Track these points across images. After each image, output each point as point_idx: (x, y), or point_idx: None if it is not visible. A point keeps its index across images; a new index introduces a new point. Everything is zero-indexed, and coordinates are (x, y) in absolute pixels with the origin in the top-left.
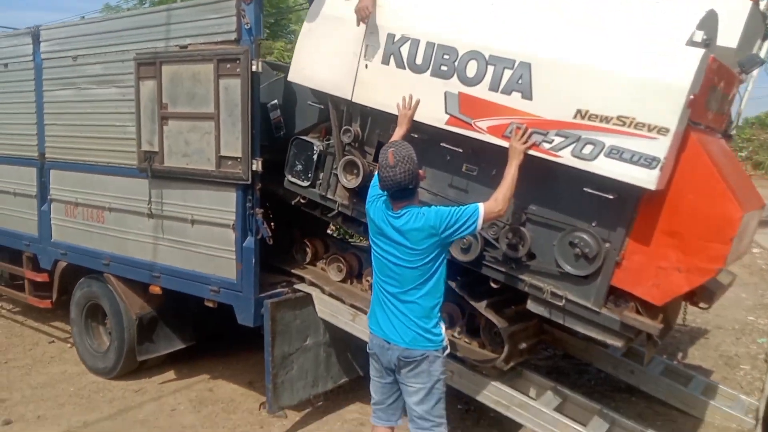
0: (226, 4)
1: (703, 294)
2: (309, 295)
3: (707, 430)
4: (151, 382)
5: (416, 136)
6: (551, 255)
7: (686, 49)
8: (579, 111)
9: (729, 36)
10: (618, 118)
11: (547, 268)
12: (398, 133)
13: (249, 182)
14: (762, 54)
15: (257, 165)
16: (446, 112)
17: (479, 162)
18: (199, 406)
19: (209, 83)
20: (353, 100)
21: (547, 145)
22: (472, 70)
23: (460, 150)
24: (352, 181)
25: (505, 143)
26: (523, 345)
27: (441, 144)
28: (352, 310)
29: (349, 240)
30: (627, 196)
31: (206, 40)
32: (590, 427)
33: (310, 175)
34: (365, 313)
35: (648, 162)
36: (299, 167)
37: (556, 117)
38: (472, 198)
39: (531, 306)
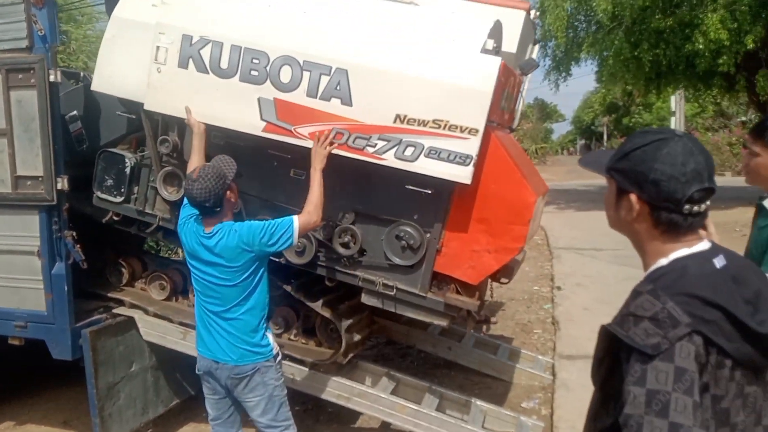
0: (13, 8)
1: (504, 270)
2: (131, 319)
3: (516, 390)
4: None
5: (241, 144)
6: (380, 249)
7: (485, 57)
8: (398, 116)
9: (509, 42)
10: (434, 121)
11: (377, 261)
12: (194, 153)
13: (54, 203)
14: (534, 56)
15: (63, 183)
16: (262, 119)
17: (306, 166)
18: None
19: None
20: (146, 108)
21: (371, 149)
22: (286, 75)
23: (288, 156)
24: (173, 194)
25: (333, 151)
26: (358, 337)
27: (268, 151)
28: (181, 328)
29: (170, 255)
30: (442, 190)
31: None
32: (424, 404)
33: (123, 190)
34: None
35: (462, 159)
36: (110, 182)
37: (377, 122)
38: (302, 202)
39: (365, 299)
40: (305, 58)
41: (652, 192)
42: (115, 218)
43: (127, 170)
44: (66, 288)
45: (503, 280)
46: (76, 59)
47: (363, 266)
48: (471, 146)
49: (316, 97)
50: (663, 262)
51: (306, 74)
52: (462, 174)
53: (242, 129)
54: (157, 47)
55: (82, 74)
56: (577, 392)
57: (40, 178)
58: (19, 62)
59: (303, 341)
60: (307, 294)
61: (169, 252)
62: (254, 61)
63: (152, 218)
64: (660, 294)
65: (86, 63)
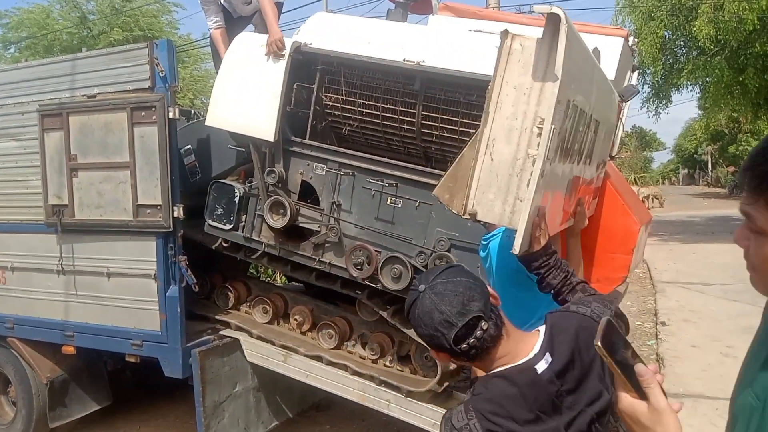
0: (138, 52)
1: None
2: (236, 340)
3: None
4: None
5: (345, 171)
6: None
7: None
8: (598, 164)
9: (607, 69)
10: (603, 161)
11: None
12: None
13: (170, 229)
14: (633, 83)
15: (179, 211)
16: (563, 209)
17: (404, 194)
18: None
19: (123, 132)
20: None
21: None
22: (585, 141)
23: (394, 183)
24: (278, 221)
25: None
26: (453, 366)
27: (367, 179)
28: (282, 351)
29: (268, 280)
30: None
31: (116, 89)
32: None
33: (232, 218)
34: (297, 352)
35: (596, 193)
36: (220, 211)
37: (592, 175)
38: (398, 229)
39: None
40: (594, 114)
41: (434, 347)
42: (224, 244)
43: (236, 200)
44: (179, 309)
45: None
46: (183, 97)
47: None
48: (602, 178)
49: (585, 162)
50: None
51: (590, 135)
52: (594, 206)
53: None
54: (553, 130)
55: (192, 111)
56: None
57: (159, 207)
58: (142, 101)
59: (398, 368)
60: (402, 320)
61: (268, 278)
62: (580, 128)
63: (258, 245)
64: (470, 409)
65: (192, 101)
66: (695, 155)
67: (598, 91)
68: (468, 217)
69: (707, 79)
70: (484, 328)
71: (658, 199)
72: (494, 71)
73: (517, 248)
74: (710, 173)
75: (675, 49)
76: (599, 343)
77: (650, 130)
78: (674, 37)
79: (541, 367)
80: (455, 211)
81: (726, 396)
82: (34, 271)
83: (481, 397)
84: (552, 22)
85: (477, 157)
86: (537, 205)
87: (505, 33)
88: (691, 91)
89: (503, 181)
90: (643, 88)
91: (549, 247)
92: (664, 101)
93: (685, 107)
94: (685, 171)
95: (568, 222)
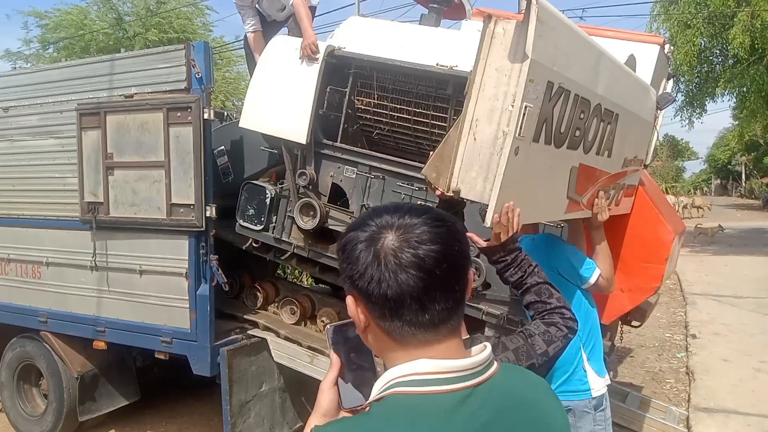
0: (175, 54)
1: (636, 313)
2: (264, 340)
3: None
4: None
5: (375, 174)
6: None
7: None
8: (626, 159)
9: (643, 76)
10: (634, 158)
11: (501, 296)
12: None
13: (203, 229)
14: (668, 91)
15: (211, 211)
16: (567, 197)
17: (434, 199)
18: None
19: (158, 132)
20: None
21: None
22: (592, 130)
23: (424, 187)
24: (308, 223)
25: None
26: None
27: (397, 183)
28: (309, 352)
29: (294, 281)
30: (572, 222)
31: (153, 89)
32: None
33: (263, 219)
34: (323, 354)
35: (632, 191)
36: (251, 211)
37: (615, 170)
38: None
39: (489, 332)
40: (606, 105)
41: None
42: (255, 245)
43: (267, 201)
44: (209, 308)
45: (635, 323)
46: (215, 99)
47: (487, 300)
48: (638, 177)
49: (600, 153)
50: None
51: (601, 126)
52: (630, 205)
53: (546, 219)
54: (525, 108)
55: (225, 113)
56: None
57: (192, 206)
58: (178, 101)
59: None
60: None
61: (294, 279)
62: (581, 115)
63: (288, 246)
64: None
65: (223, 103)
66: (728, 165)
67: (611, 81)
68: (452, 194)
69: (744, 88)
70: None
71: (701, 209)
72: (477, 54)
73: (487, 221)
74: (744, 184)
75: (711, 58)
76: (330, 326)
77: (682, 140)
78: (710, 45)
79: None
80: (441, 189)
81: (758, 412)
82: (68, 266)
83: None
84: (528, 3)
85: (461, 137)
86: (508, 188)
87: (488, 18)
88: (728, 100)
89: (485, 159)
90: (676, 97)
91: (508, 245)
92: (698, 110)
93: (718, 117)
94: (718, 181)
95: (581, 212)
